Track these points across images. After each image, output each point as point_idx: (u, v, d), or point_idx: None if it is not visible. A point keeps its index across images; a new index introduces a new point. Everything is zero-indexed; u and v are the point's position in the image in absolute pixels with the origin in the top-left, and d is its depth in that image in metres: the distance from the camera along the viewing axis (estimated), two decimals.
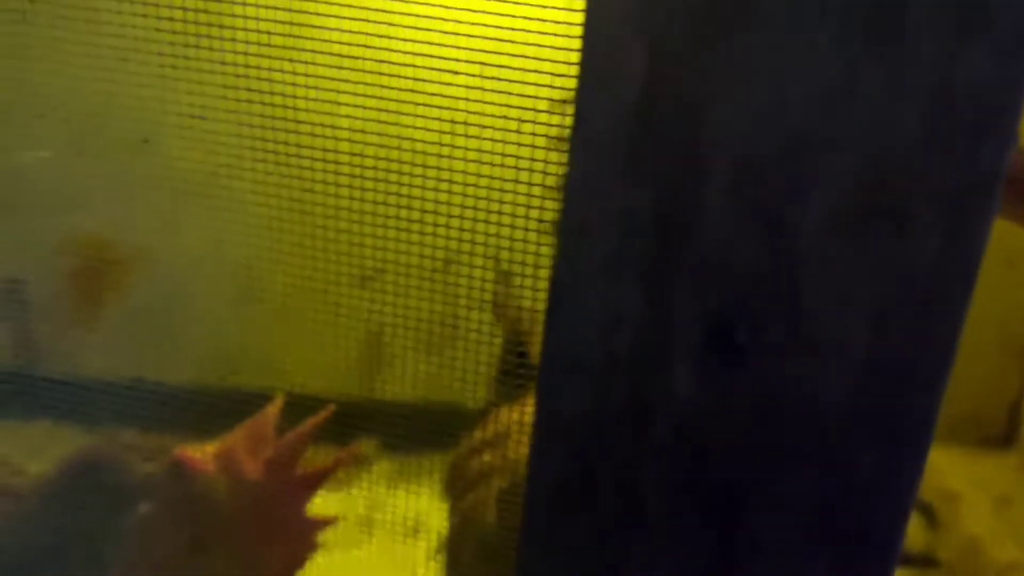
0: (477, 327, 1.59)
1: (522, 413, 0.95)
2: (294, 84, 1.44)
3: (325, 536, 1.48)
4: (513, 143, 1.42)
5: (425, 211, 1.58)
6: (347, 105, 1.52)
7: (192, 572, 0.66)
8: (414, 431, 1.66)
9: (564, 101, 1.23)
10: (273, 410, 0.72)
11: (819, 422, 0.40)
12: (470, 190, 1.39)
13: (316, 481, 0.69)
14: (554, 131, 1.28)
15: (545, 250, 1.56)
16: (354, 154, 1.58)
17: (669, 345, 0.40)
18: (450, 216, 1.52)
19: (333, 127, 1.44)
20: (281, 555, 0.66)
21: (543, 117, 1.41)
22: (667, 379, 0.40)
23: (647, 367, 0.40)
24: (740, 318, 0.39)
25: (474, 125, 1.25)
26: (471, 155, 1.43)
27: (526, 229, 1.28)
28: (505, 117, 1.14)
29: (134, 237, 1.63)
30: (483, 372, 1.17)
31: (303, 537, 0.67)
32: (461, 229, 1.48)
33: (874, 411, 0.40)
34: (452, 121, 1.42)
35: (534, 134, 1.24)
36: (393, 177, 1.59)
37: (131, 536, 0.65)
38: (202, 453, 0.67)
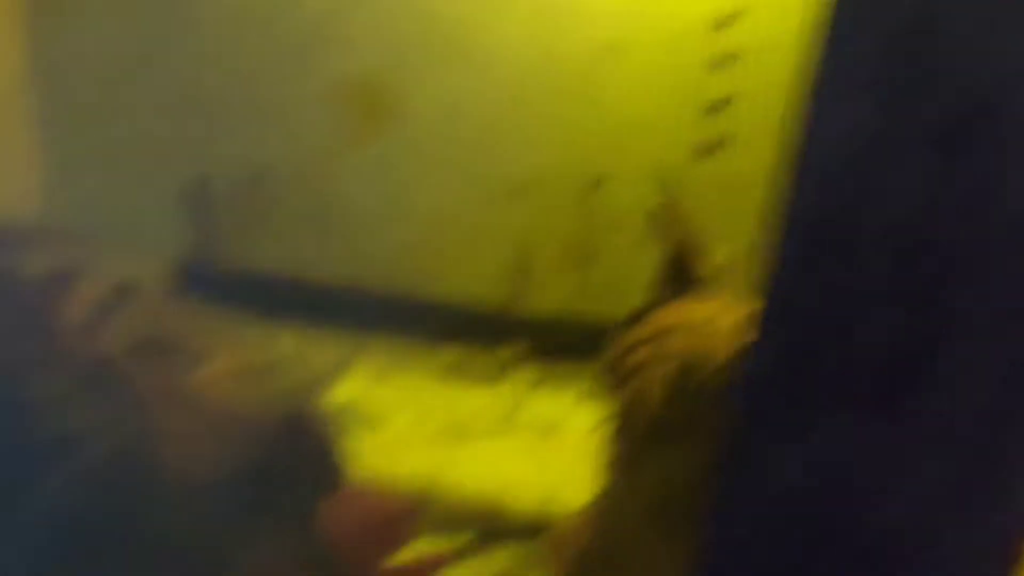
0: (623, 244, 1.63)
1: (683, 312, 1.01)
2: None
3: (469, 427, 1.59)
4: (669, 64, 1.42)
5: (578, 129, 1.62)
6: (507, 21, 1.56)
7: None
8: (559, 339, 1.73)
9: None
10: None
11: None
12: (624, 109, 1.42)
13: None
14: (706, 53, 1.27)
15: (697, 169, 1.57)
16: (511, 72, 1.62)
17: (897, 142, 0.41)
18: (603, 135, 1.56)
19: (487, 47, 1.49)
20: None
21: (698, 38, 1.42)
22: (896, 174, 0.41)
23: (876, 163, 0.41)
24: (974, 117, 0.40)
25: (629, 45, 1.27)
26: (626, 75, 1.45)
27: (678, 149, 1.31)
28: (657, 40, 1.16)
29: (309, 142, 1.75)
30: (626, 287, 1.22)
31: None
32: (613, 148, 1.51)
33: None
34: (607, 42, 1.44)
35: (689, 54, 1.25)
36: (550, 96, 1.63)
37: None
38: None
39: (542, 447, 1.41)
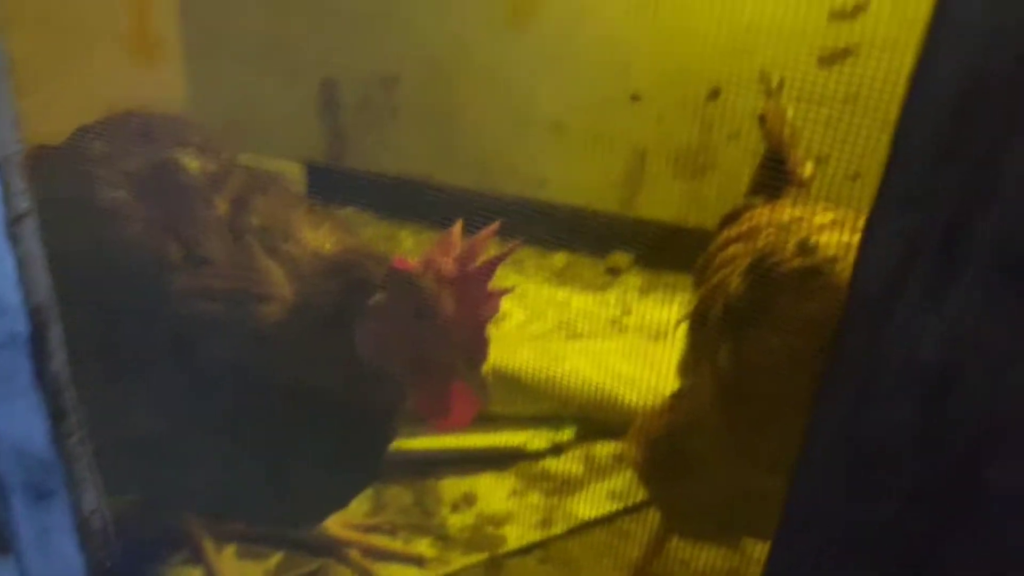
0: (737, 154, 1.62)
1: (775, 212, 1.03)
2: None
3: (581, 328, 1.65)
4: None
5: (698, 35, 1.59)
6: None
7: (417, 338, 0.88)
8: (666, 249, 1.75)
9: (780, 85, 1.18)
10: (457, 227, 0.90)
11: None
12: (742, 16, 1.39)
13: (491, 267, 0.88)
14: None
15: (813, 76, 1.53)
16: None
17: None
18: (721, 39, 1.53)
19: None
20: (474, 316, 0.88)
21: None
22: None
23: None
24: None
25: None
26: None
27: (795, 57, 1.28)
28: None
29: (429, 53, 1.79)
30: (737, 198, 1.23)
31: (490, 303, 0.89)
32: (734, 54, 1.49)
33: None
34: None
35: None
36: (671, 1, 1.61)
37: (372, 315, 0.88)
38: (410, 260, 0.88)
39: (651, 349, 1.45)
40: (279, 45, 1.84)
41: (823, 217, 0.97)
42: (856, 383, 0.52)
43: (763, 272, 0.91)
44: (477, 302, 0.91)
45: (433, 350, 0.91)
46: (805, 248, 0.90)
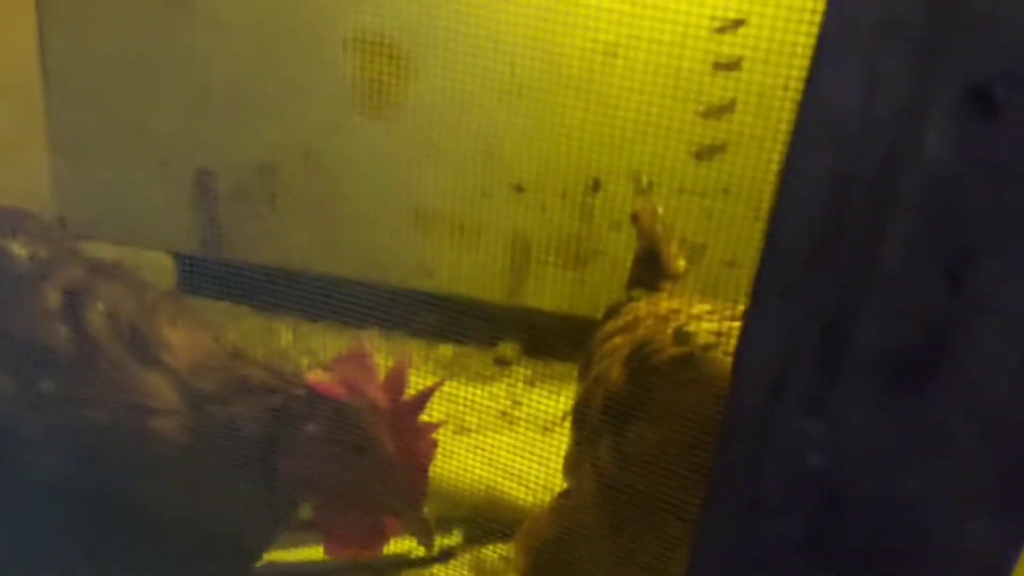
0: (620, 244, 1.63)
1: (655, 305, 1.05)
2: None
3: (469, 422, 1.60)
4: (666, 67, 1.43)
5: (577, 130, 1.63)
6: (505, 23, 1.57)
7: (351, 473, 0.82)
8: (553, 338, 1.74)
9: (650, 184, 1.25)
10: (369, 342, 0.86)
11: None
12: (620, 112, 1.42)
13: (423, 399, 0.85)
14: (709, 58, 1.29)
15: (690, 173, 1.58)
16: (510, 72, 1.63)
17: (927, 105, 0.39)
18: (602, 134, 1.56)
19: (493, 42, 1.49)
20: (413, 454, 0.84)
21: (699, 43, 1.42)
22: (920, 140, 0.40)
23: (901, 128, 0.40)
24: (1000, 77, 0.38)
25: (629, 48, 1.27)
26: (624, 78, 1.45)
27: (673, 152, 1.31)
28: (658, 42, 1.16)
29: (305, 141, 1.76)
30: (622, 287, 1.24)
31: (426, 440, 0.84)
32: (611, 148, 1.52)
33: None
34: (605, 44, 1.45)
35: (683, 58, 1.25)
36: (549, 96, 1.64)
37: (303, 447, 0.82)
38: (324, 378, 0.83)
39: (541, 443, 1.42)
40: (150, 135, 1.78)
41: (699, 308, 0.99)
42: (741, 494, 0.50)
43: (640, 361, 0.91)
44: (413, 438, 0.87)
45: (371, 489, 0.86)
46: (680, 336, 0.91)
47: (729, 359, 0.82)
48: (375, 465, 0.84)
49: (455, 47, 1.43)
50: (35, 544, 0.86)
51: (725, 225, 1.66)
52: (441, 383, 0.90)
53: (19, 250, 0.94)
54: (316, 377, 0.85)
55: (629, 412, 0.91)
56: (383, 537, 0.89)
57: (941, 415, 0.44)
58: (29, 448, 0.84)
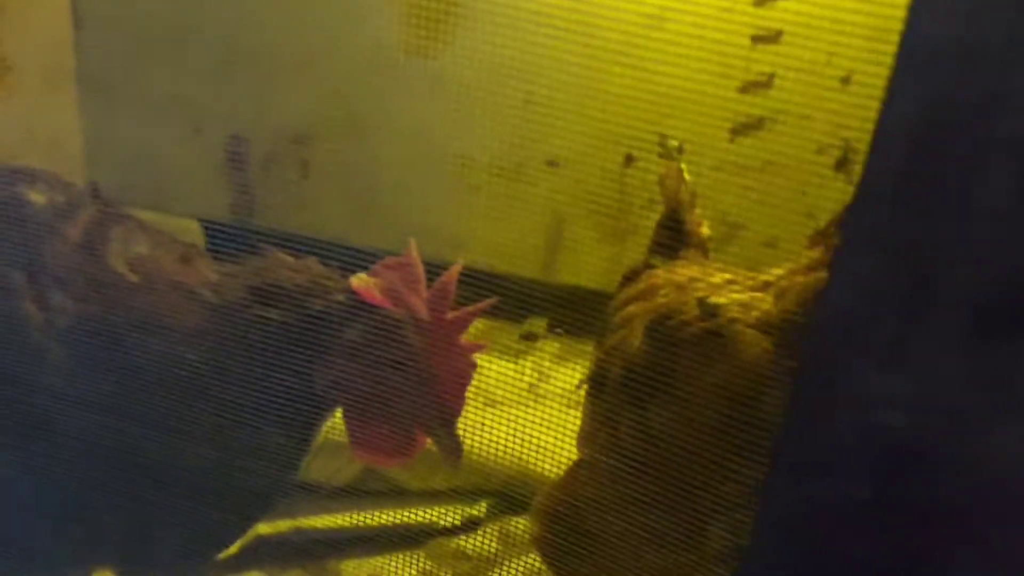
0: (653, 222, 1.61)
1: (674, 272, 1.03)
2: None
3: (496, 394, 1.60)
4: (708, 39, 1.40)
5: (616, 101, 1.60)
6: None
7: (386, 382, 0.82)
8: (585, 314, 1.73)
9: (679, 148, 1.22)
10: (414, 251, 0.85)
11: None
12: (657, 84, 1.40)
13: (467, 319, 0.84)
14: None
15: (728, 150, 1.55)
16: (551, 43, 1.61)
17: None
18: (639, 108, 1.54)
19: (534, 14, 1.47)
20: (451, 371, 0.83)
21: (738, 15, 1.39)
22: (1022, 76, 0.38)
23: (1005, 61, 0.38)
24: None
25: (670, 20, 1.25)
26: (666, 49, 1.42)
27: (711, 128, 1.29)
28: (698, 14, 1.14)
29: (350, 108, 1.75)
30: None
31: (466, 357, 0.84)
32: (647, 122, 1.49)
33: None
34: (648, 15, 1.42)
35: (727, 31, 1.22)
36: (593, 64, 1.61)
37: (343, 351, 0.82)
38: (367, 283, 0.82)
39: (567, 418, 1.41)
40: (182, 100, 1.78)
41: (719, 277, 0.97)
42: (809, 452, 0.49)
43: (664, 334, 0.90)
44: (452, 355, 0.87)
45: (407, 401, 0.86)
46: (706, 309, 0.89)
47: (754, 333, 0.81)
48: (412, 377, 0.84)
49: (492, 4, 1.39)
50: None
51: (764, 203, 1.63)
52: (489, 303, 0.90)
53: (36, 197, 0.95)
54: (359, 282, 0.85)
55: (652, 386, 0.90)
56: (412, 449, 0.89)
57: None
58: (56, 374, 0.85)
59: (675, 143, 1.25)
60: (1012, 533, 0.45)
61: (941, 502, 0.46)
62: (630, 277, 1.12)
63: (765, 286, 0.89)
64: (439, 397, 0.86)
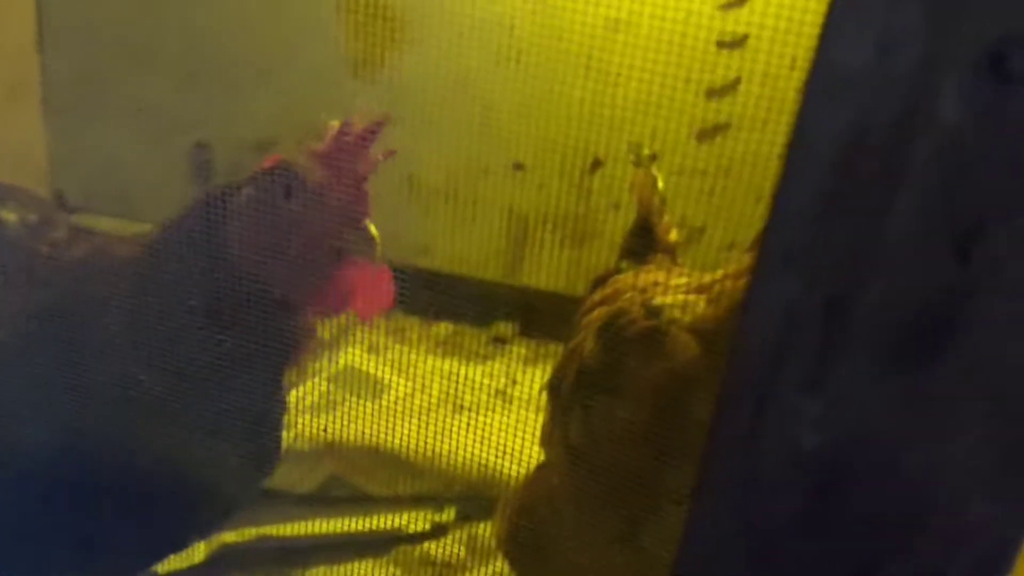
0: (619, 224, 1.62)
1: (639, 277, 1.04)
2: None
3: (467, 400, 1.60)
4: (673, 43, 1.41)
5: (578, 106, 1.61)
6: None
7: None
8: (550, 318, 1.74)
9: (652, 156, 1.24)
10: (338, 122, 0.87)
11: None
12: (621, 89, 1.41)
13: (369, 134, 0.84)
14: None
15: (690, 154, 1.56)
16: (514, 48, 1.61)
17: (942, 67, 0.39)
18: (602, 113, 1.55)
19: (493, 18, 1.48)
20: (350, 175, 0.83)
21: (704, 20, 1.40)
22: (934, 101, 0.39)
23: (915, 90, 0.39)
24: (1017, 42, 0.38)
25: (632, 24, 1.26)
26: (628, 55, 1.43)
27: (674, 132, 1.30)
28: (663, 18, 1.15)
29: (306, 116, 1.74)
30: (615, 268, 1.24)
31: (365, 162, 0.84)
32: (611, 127, 1.50)
33: None
34: (610, 19, 1.43)
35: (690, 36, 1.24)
36: (549, 71, 1.62)
37: (239, 212, 0.82)
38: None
39: (536, 421, 1.42)
40: (146, 108, 1.76)
41: (677, 280, 0.98)
42: (740, 472, 0.50)
43: (612, 333, 0.91)
44: (352, 166, 0.87)
45: (311, 223, 0.84)
46: (650, 310, 0.90)
47: (687, 336, 0.83)
48: (309, 198, 0.84)
49: (452, 10, 1.40)
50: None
51: (725, 207, 1.65)
52: (385, 120, 0.90)
53: (8, 215, 0.95)
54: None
55: (596, 384, 0.91)
56: (377, 284, 0.88)
57: (946, 391, 0.43)
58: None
59: (648, 151, 1.27)
60: (929, 538, 0.47)
61: (866, 514, 0.48)
62: (599, 282, 1.13)
63: (702, 289, 0.90)
64: (341, 205, 0.85)
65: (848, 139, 0.40)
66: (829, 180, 0.41)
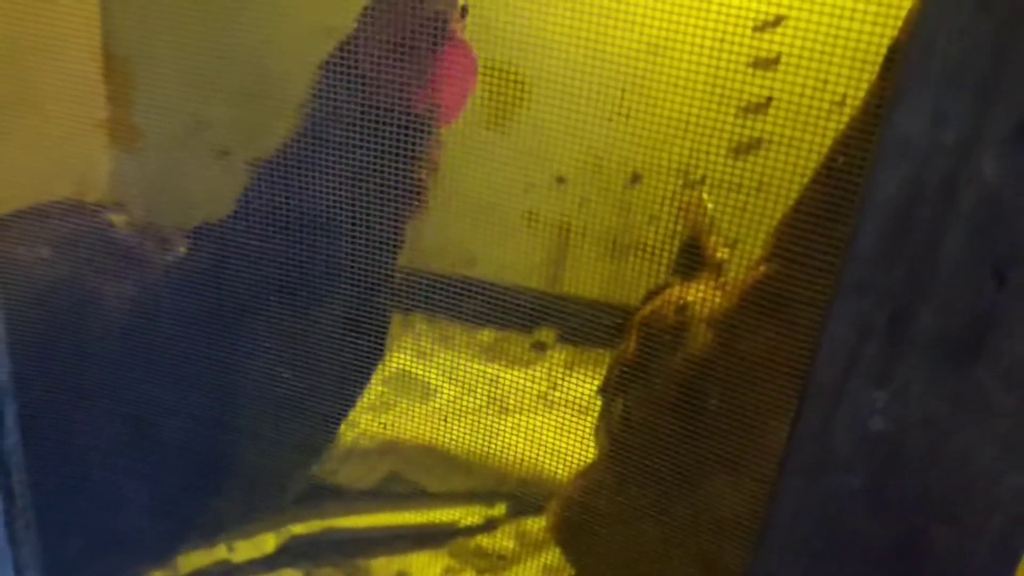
0: (657, 238, 1.69)
1: (685, 290, 1.12)
2: None
3: (511, 403, 1.68)
4: (711, 65, 1.49)
5: (620, 122, 1.68)
6: (552, 21, 1.63)
7: None
8: (590, 325, 1.80)
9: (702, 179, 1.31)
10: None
11: None
12: (665, 108, 1.48)
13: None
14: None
15: (726, 171, 1.63)
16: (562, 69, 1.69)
17: (983, 135, 0.50)
18: (644, 131, 1.62)
19: (542, 43, 1.55)
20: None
21: (742, 40, 1.47)
22: (976, 165, 0.50)
23: (961, 154, 0.51)
24: None
25: (673, 47, 1.33)
26: (669, 76, 1.50)
27: (713, 148, 1.37)
28: (700, 40, 1.22)
29: None
30: (656, 279, 1.31)
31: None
32: (652, 147, 1.58)
33: None
34: (651, 43, 1.50)
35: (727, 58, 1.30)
36: (595, 91, 1.69)
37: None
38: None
39: (579, 424, 1.49)
40: (207, 124, 1.86)
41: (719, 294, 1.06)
42: (815, 452, 0.59)
43: (647, 330, 0.99)
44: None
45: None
46: (680, 307, 0.99)
47: (704, 326, 0.91)
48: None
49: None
50: None
51: (756, 221, 1.71)
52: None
53: (116, 219, 1.04)
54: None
55: (634, 377, 0.99)
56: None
57: (984, 387, 0.53)
58: None
59: (698, 175, 1.36)
60: (976, 512, 0.56)
61: (920, 488, 0.57)
62: (652, 294, 1.21)
63: (719, 287, 0.99)
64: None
65: (908, 191, 0.51)
66: (891, 224, 0.53)
